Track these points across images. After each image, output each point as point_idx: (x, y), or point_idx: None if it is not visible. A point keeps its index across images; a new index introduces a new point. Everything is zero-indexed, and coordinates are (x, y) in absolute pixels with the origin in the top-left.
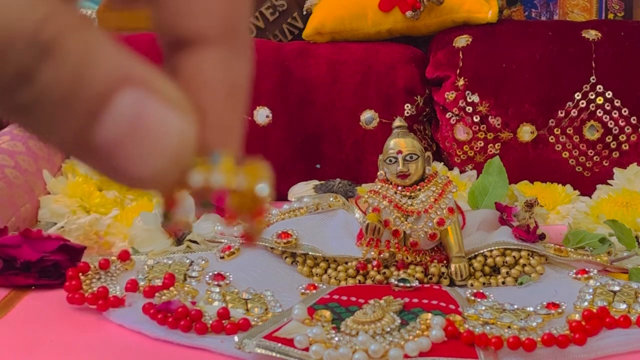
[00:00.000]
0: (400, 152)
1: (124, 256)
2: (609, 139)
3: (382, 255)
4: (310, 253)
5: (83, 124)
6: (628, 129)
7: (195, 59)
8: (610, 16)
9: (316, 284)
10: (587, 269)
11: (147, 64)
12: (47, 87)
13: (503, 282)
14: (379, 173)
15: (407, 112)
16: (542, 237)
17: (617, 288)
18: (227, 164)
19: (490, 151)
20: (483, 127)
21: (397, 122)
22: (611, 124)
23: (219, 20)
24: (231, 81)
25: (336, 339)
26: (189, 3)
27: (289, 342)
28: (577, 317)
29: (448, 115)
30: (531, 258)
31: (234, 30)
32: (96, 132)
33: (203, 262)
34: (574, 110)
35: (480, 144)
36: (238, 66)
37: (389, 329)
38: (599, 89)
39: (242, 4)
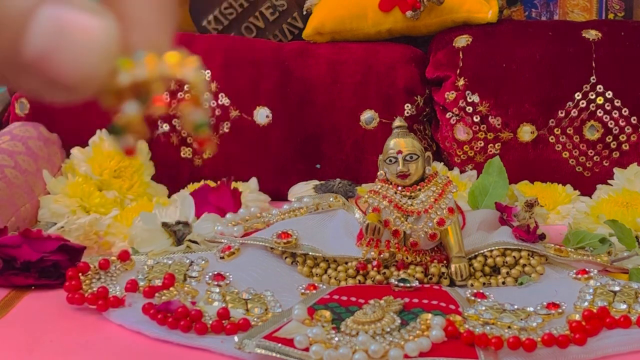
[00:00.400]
0: (400, 152)
1: (124, 256)
2: (609, 139)
3: (382, 256)
4: (310, 253)
5: (11, 42)
6: (628, 129)
7: None
8: (610, 16)
9: (316, 284)
10: (587, 269)
11: None
12: None
13: (503, 282)
14: (379, 173)
15: (407, 112)
16: (542, 237)
17: (617, 288)
18: (150, 58)
19: (490, 151)
20: (483, 127)
21: (397, 122)
22: (611, 124)
23: None
24: None
25: (336, 339)
26: None
27: (289, 342)
28: (577, 317)
29: (448, 115)
30: (531, 258)
31: None
32: (25, 47)
33: (203, 262)
34: (574, 110)
35: (480, 144)
36: None
37: (389, 329)
38: (599, 89)
39: None
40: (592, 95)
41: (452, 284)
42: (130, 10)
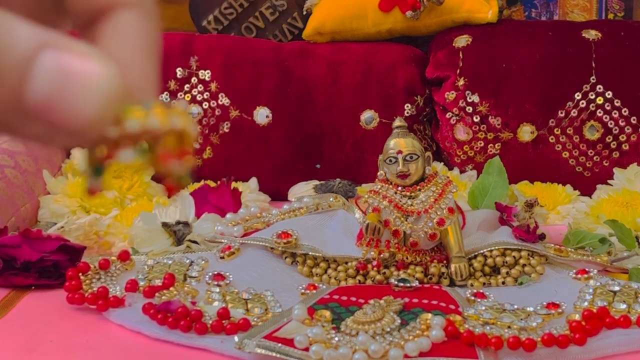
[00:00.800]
0: (400, 152)
1: (124, 256)
2: (609, 139)
3: (382, 255)
4: (310, 253)
5: (14, 88)
6: (628, 129)
7: (113, 22)
8: (610, 16)
9: (316, 284)
10: (587, 269)
11: (59, 33)
12: None
13: (503, 282)
14: (379, 173)
15: (407, 112)
16: (542, 237)
17: (617, 288)
18: (159, 108)
19: (490, 151)
20: (483, 127)
21: (397, 122)
22: (611, 124)
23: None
24: (146, 36)
25: (336, 339)
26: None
27: (289, 342)
28: (577, 317)
29: (448, 115)
30: (531, 258)
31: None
32: (28, 93)
33: (203, 262)
34: (574, 110)
35: (480, 144)
36: (149, 24)
37: (389, 329)
38: (599, 89)
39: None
40: (592, 95)
41: (452, 284)
42: (115, 54)
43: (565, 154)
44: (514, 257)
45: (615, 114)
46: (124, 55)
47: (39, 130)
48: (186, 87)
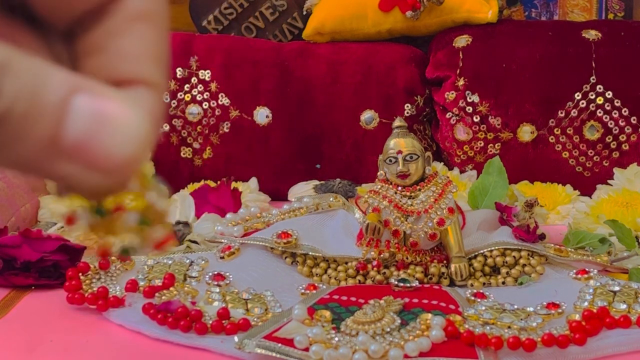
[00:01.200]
0: (400, 152)
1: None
2: (609, 139)
3: (382, 255)
4: (310, 253)
5: (49, 131)
6: (628, 129)
7: (115, 24)
8: (610, 16)
9: (316, 284)
10: (587, 269)
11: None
12: (11, 99)
13: (503, 282)
14: (379, 173)
15: (407, 112)
16: (542, 237)
17: (617, 288)
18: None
19: (490, 151)
20: (483, 127)
21: (397, 122)
22: (611, 124)
23: (152, 62)
24: (158, 114)
25: (336, 339)
26: (129, 50)
27: (289, 342)
28: (577, 317)
29: (448, 115)
30: (531, 258)
31: (162, 68)
32: (64, 134)
33: (203, 262)
34: (574, 110)
35: (480, 144)
36: (161, 100)
37: (389, 329)
38: (599, 89)
39: (166, 43)
40: (592, 95)
41: (452, 284)
42: (127, 57)
43: (565, 154)
44: (514, 257)
45: (615, 114)
46: (132, 63)
47: (72, 170)
48: (186, 87)
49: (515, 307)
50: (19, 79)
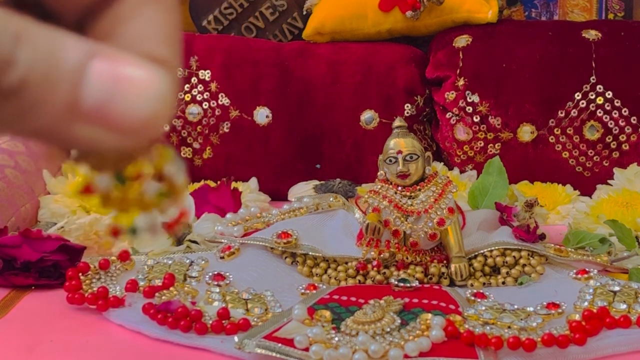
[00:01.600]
0: (400, 152)
1: (124, 256)
2: (609, 139)
3: (382, 255)
4: (310, 253)
5: (67, 97)
6: (628, 129)
7: (122, 11)
8: (610, 16)
9: (316, 284)
10: (587, 269)
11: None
12: (29, 67)
13: (503, 282)
14: (379, 173)
15: (407, 112)
16: (542, 237)
17: (617, 288)
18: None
19: (490, 151)
20: (483, 127)
21: (397, 122)
22: (611, 124)
23: (163, 41)
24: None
25: (336, 339)
26: (138, 32)
27: (289, 342)
28: (577, 317)
29: (448, 115)
30: (531, 258)
31: (173, 46)
32: (82, 98)
33: (203, 262)
34: (574, 110)
35: (480, 144)
36: (175, 76)
37: (389, 329)
38: (599, 89)
39: (176, 23)
40: (592, 95)
41: (452, 284)
42: (133, 43)
43: (565, 154)
44: (514, 257)
45: (615, 114)
46: (142, 44)
47: (90, 135)
48: (186, 87)
49: (515, 307)
50: (34, 48)
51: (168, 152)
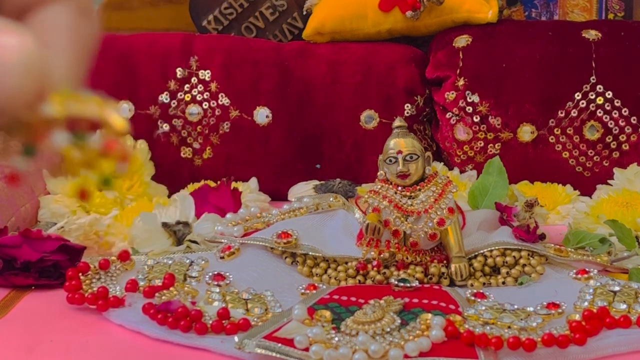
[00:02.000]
0: (400, 152)
1: (124, 256)
2: (609, 139)
3: (382, 255)
4: (310, 253)
5: None
6: (628, 129)
7: (43, 12)
8: (610, 16)
9: (316, 284)
10: (587, 269)
11: None
12: None
13: (503, 282)
14: (379, 173)
15: (407, 112)
16: (542, 237)
17: (617, 288)
18: (91, 100)
19: (490, 151)
20: (483, 127)
21: (397, 122)
22: (611, 124)
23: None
24: (77, 29)
25: (336, 339)
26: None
27: (289, 342)
28: (577, 317)
29: (448, 115)
30: (531, 258)
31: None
32: None
33: (203, 262)
34: (574, 110)
35: (480, 144)
36: (84, 20)
37: (389, 329)
38: (599, 89)
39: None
40: (592, 95)
41: (452, 284)
42: (48, 38)
43: (565, 154)
44: (514, 257)
45: (615, 114)
46: (51, 38)
47: None
48: (186, 87)
49: (515, 307)
50: None
51: (65, 92)
